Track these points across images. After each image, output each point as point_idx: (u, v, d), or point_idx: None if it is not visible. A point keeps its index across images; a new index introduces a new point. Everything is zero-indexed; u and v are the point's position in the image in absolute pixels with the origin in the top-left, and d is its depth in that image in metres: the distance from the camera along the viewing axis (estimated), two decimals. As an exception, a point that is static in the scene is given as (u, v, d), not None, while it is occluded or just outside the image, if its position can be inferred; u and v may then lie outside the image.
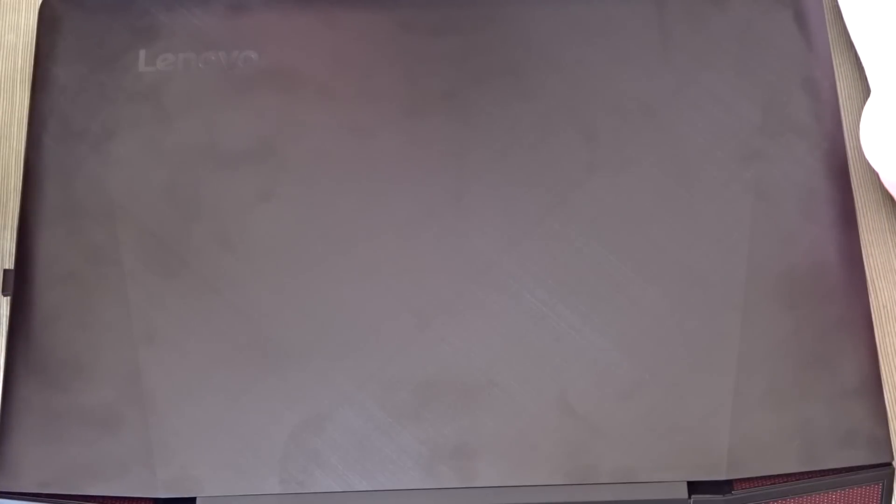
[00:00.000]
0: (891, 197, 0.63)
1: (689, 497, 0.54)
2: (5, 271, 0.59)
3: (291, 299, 0.57)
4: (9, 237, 0.62)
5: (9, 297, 0.59)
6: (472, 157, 0.60)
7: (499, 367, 0.56)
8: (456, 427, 0.55)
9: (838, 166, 0.60)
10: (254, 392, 0.56)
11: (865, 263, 0.60)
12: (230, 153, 0.60)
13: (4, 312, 0.61)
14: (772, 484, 0.55)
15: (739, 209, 0.59)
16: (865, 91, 0.64)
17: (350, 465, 0.55)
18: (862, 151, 0.63)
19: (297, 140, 0.60)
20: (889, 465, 0.55)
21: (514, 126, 0.61)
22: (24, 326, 0.57)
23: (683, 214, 0.59)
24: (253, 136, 0.60)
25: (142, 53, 0.62)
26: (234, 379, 0.56)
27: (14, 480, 0.55)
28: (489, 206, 0.59)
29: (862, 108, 0.64)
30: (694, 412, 0.55)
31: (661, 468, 0.54)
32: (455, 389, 0.56)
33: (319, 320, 0.57)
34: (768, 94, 0.61)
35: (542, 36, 0.62)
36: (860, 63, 0.65)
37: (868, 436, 0.55)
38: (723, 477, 0.54)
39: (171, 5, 0.63)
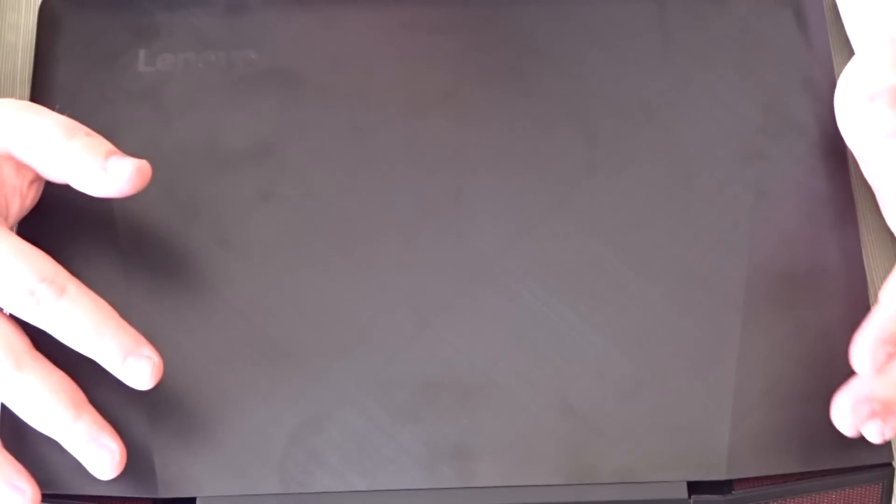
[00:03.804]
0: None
1: (689, 497, 0.54)
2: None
3: (291, 299, 0.57)
4: (9, 237, 0.61)
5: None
6: (472, 157, 0.60)
7: (499, 367, 0.56)
8: (456, 427, 0.55)
9: (838, 166, 0.60)
10: (254, 392, 0.56)
11: (865, 263, 0.60)
12: (230, 153, 0.60)
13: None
14: (772, 484, 0.55)
15: (740, 209, 0.59)
16: (865, 91, 0.64)
17: (350, 464, 0.55)
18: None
19: (296, 140, 0.60)
20: (889, 465, 0.55)
21: (514, 126, 0.61)
22: (23, 326, 0.57)
23: (684, 214, 0.59)
24: (253, 135, 0.60)
25: (141, 53, 0.62)
26: (233, 379, 0.56)
27: (14, 480, 0.55)
28: (489, 205, 0.59)
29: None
30: (694, 412, 0.55)
31: (661, 468, 0.54)
32: (455, 389, 0.56)
33: (319, 320, 0.57)
34: (769, 94, 0.61)
35: (542, 36, 0.62)
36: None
37: (868, 436, 0.55)
38: (723, 477, 0.54)
39: (171, 5, 0.63)
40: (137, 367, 0.54)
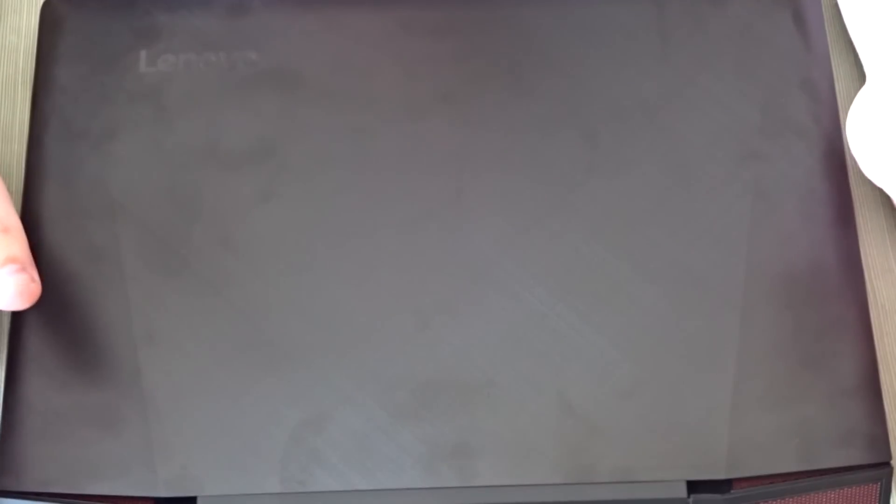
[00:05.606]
0: (889, 196, 0.63)
1: (689, 496, 0.54)
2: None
3: (292, 299, 0.58)
4: (10, 237, 0.62)
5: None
6: (471, 158, 0.60)
7: (499, 367, 0.56)
8: (455, 426, 0.55)
9: (837, 166, 0.60)
10: (254, 391, 0.56)
11: (864, 263, 0.60)
12: (231, 153, 0.60)
13: (6, 313, 0.61)
14: (771, 483, 0.55)
15: (738, 209, 0.59)
16: (864, 91, 0.64)
17: (350, 464, 0.55)
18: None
19: (297, 140, 0.60)
20: (887, 464, 0.55)
21: (513, 126, 0.61)
22: (25, 326, 0.58)
23: (682, 214, 0.59)
24: (253, 136, 0.61)
25: (143, 54, 0.62)
26: (234, 378, 0.56)
27: (16, 479, 0.55)
28: (489, 206, 0.59)
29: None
30: (693, 411, 0.55)
31: (661, 467, 0.55)
32: (455, 389, 0.56)
33: (320, 320, 0.57)
34: (767, 95, 0.61)
35: (541, 37, 0.62)
36: (859, 63, 0.65)
37: (866, 435, 0.55)
38: (722, 476, 0.55)
39: (172, 6, 0.63)
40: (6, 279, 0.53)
